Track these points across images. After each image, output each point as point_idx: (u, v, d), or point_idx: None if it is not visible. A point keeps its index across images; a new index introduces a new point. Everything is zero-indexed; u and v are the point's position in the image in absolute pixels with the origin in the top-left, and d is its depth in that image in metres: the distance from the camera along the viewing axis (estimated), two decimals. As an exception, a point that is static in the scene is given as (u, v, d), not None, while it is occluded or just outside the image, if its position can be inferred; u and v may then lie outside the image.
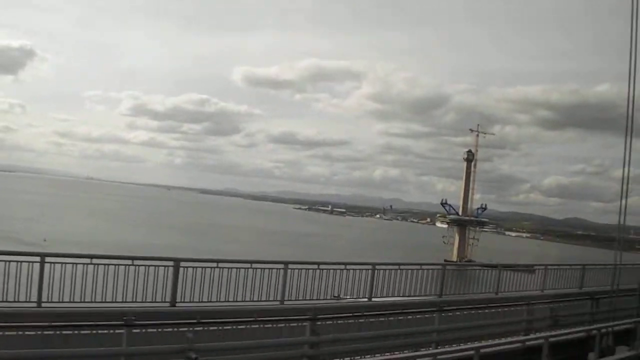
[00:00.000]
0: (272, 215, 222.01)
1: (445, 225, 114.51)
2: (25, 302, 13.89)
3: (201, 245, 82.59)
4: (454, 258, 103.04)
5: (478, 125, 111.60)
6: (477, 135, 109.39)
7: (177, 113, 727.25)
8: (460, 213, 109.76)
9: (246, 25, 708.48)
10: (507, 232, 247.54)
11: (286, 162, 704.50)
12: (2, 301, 13.74)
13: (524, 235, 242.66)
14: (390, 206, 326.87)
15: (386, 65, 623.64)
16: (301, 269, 17.80)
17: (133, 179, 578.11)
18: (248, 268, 17.00)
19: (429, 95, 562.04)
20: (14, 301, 13.89)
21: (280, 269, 17.32)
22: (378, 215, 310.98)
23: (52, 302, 14.12)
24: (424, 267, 20.98)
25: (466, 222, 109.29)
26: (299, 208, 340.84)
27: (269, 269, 17.30)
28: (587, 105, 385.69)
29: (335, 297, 18.61)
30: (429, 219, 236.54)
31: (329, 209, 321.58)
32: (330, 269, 18.56)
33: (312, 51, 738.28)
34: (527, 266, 28.66)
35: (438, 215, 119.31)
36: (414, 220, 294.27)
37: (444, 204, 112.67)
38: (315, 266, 18.22)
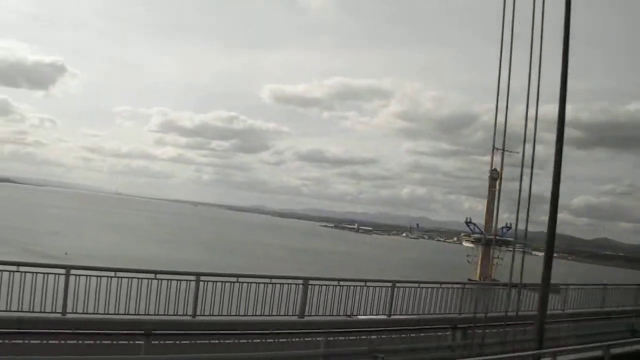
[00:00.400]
0: (297, 232, 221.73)
1: (471, 245, 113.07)
2: (51, 312, 14.19)
3: (221, 260, 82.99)
4: (477, 277, 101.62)
5: (504, 142, 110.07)
6: (503, 153, 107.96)
7: (206, 130, 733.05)
8: (484, 232, 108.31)
9: (274, 43, 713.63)
10: (534, 252, 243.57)
11: (314, 179, 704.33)
12: (29, 311, 13.97)
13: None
14: (417, 225, 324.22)
15: (413, 84, 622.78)
16: (321, 284, 17.94)
17: (161, 194, 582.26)
18: (267, 283, 17.02)
19: (457, 114, 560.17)
20: (40, 311, 14.11)
21: (300, 284, 17.53)
22: (404, 234, 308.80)
23: (76, 312, 14.45)
24: (443, 285, 20.97)
25: (490, 241, 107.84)
26: (325, 226, 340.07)
27: (288, 284, 17.48)
28: (618, 124, 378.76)
29: (347, 315, 18.36)
30: (455, 238, 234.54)
31: (355, 227, 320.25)
32: (350, 286, 18.47)
33: (339, 69, 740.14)
34: (553, 285, 27.53)
35: (462, 234, 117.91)
36: (441, 239, 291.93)
37: (468, 222, 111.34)
38: (336, 282, 18.23)
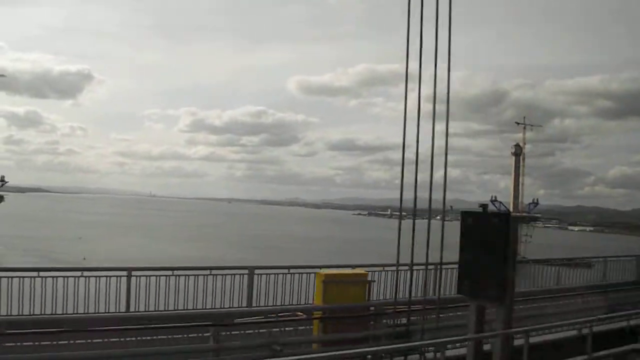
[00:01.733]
0: (327, 222, 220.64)
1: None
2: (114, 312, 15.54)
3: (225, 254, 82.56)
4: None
5: (524, 117, 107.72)
6: (524, 128, 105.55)
7: (235, 126, 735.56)
8: (511, 209, 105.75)
9: (296, 35, 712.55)
10: (570, 227, 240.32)
11: (346, 168, 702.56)
12: (96, 312, 15.35)
13: (588, 229, 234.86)
14: (451, 207, 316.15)
15: (439, 65, 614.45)
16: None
17: (195, 194, 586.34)
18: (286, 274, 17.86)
19: (486, 93, 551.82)
20: (104, 312, 15.51)
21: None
22: (438, 217, 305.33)
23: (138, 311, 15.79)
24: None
25: (517, 219, 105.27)
26: (359, 214, 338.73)
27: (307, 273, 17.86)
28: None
29: None
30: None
31: (389, 213, 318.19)
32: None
33: (363, 56, 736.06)
34: (583, 259, 28.47)
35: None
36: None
37: (493, 201, 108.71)
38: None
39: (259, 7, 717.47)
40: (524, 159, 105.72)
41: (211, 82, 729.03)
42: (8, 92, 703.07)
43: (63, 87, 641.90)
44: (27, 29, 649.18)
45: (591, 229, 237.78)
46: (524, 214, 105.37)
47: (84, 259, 69.80)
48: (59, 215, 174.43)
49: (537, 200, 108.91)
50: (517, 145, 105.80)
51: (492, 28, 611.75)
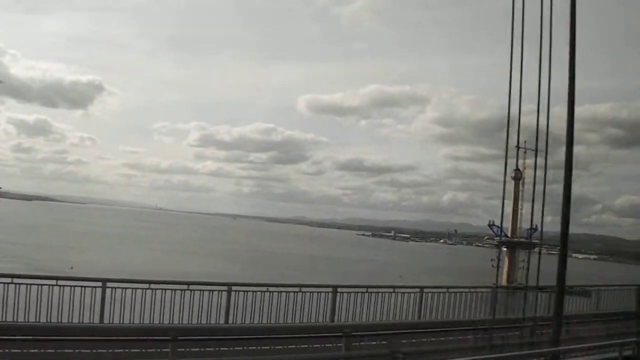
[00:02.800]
0: (331, 242, 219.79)
1: (495, 248, 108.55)
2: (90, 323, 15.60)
3: (226, 271, 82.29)
4: (504, 282, 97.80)
5: (525, 142, 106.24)
6: (525, 152, 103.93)
7: (244, 142, 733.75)
8: (509, 235, 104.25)
9: (308, 53, 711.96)
10: (574, 255, 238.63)
11: (354, 188, 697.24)
12: (68, 322, 15.22)
13: (592, 257, 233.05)
14: (455, 230, 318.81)
15: (450, 89, 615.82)
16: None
17: (202, 208, 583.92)
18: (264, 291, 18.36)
19: (495, 117, 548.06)
20: (79, 323, 15.51)
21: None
22: (442, 240, 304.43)
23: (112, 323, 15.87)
24: (450, 290, 21.46)
25: (516, 244, 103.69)
26: (362, 234, 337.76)
27: (279, 292, 18.44)
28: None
29: None
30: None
31: (392, 234, 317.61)
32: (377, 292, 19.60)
33: (374, 77, 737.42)
34: (582, 287, 27.78)
35: (486, 237, 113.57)
36: (479, 244, 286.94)
37: (491, 225, 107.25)
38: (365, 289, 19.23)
39: (271, 24, 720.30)
40: (523, 184, 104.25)
41: (221, 97, 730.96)
42: (19, 99, 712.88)
43: (74, 97, 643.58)
44: (41, 37, 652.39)
45: (595, 257, 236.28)
46: (522, 240, 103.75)
47: (71, 267, 69.34)
48: (58, 223, 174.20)
49: (537, 226, 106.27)
50: (516, 170, 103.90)
51: (504, 51, 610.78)
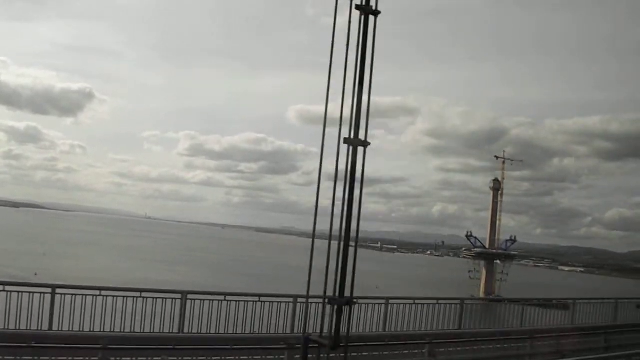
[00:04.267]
0: (315, 252, 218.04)
1: (472, 259, 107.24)
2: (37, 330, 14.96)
3: (203, 279, 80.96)
4: (481, 294, 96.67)
5: (504, 152, 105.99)
6: (504, 162, 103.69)
7: (234, 152, 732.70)
8: (487, 246, 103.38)
9: (297, 63, 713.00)
10: (560, 267, 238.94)
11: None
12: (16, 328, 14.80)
13: (579, 269, 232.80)
14: (442, 242, 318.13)
15: (440, 100, 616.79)
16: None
17: (191, 218, 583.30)
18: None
19: (485, 129, 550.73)
20: (27, 329, 14.91)
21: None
22: (429, 252, 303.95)
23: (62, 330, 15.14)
24: (417, 301, 20.46)
25: (493, 256, 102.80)
26: (351, 245, 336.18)
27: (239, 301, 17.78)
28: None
29: None
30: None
31: (379, 245, 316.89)
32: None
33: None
34: (559, 301, 27.70)
35: (463, 249, 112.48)
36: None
37: (469, 236, 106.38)
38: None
39: (261, 33, 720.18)
40: (502, 194, 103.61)
41: (212, 106, 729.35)
42: (9, 106, 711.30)
43: (64, 104, 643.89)
44: (32, 44, 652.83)
45: (582, 269, 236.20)
46: (500, 251, 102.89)
47: (36, 274, 68.31)
48: (40, 231, 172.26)
49: (515, 237, 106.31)
50: (495, 180, 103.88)
51: (494, 64, 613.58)
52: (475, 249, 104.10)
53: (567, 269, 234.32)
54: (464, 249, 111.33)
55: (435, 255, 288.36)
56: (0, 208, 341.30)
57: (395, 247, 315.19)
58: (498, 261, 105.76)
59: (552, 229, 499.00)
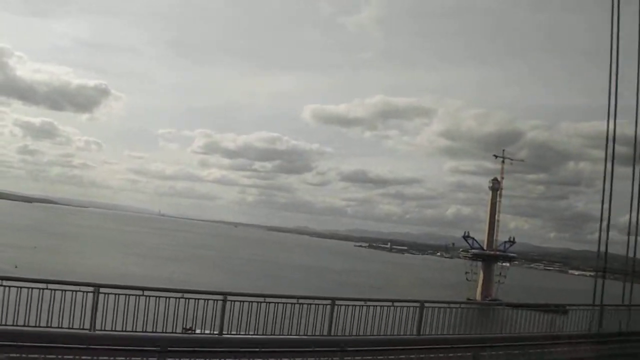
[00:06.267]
0: (324, 252, 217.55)
1: (469, 261, 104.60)
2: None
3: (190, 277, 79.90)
4: (478, 297, 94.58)
5: (503, 150, 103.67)
6: (503, 162, 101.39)
7: (249, 151, 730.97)
8: (485, 247, 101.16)
9: (314, 62, 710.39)
10: (570, 271, 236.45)
11: (358, 200, 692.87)
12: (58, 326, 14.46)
13: (588, 274, 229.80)
14: (453, 244, 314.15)
15: (455, 102, 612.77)
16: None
17: (205, 215, 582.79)
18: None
19: (501, 132, 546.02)
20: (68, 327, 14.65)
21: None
22: (439, 254, 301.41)
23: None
24: (395, 304, 19.08)
25: (491, 257, 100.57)
26: (360, 246, 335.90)
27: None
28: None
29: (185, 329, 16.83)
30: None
31: (388, 246, 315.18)
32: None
33: (380, 88, 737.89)
34: (557, 306, 25.59)
35: (461, 250, 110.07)
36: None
37: (466, 237, 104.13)
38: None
39: (278, 32, 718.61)
40: (501, 195, 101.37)
41: (226, 104, 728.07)
42: (25, 102, 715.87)
43: (80, 100, 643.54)
44: (48, 40, 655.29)
45: (592, 274, 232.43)
46: (498, 252, 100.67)
47: (16, 267, 69.92)
48: (44, 226, 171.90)
49: (514, 238, 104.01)
50: (494, 180, 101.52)
51: (510, 66, 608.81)
52: (473, 250, 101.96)
53: (576, 272, 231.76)
54: (461, 250, 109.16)
55: (445, 257, 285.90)
56: (13, 203, 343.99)
57: (405, 247, 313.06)
58: (506, 263, 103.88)
59: (566, 232, 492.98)
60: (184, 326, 16.50)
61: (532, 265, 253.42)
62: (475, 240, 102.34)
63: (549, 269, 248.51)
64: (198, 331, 17.52)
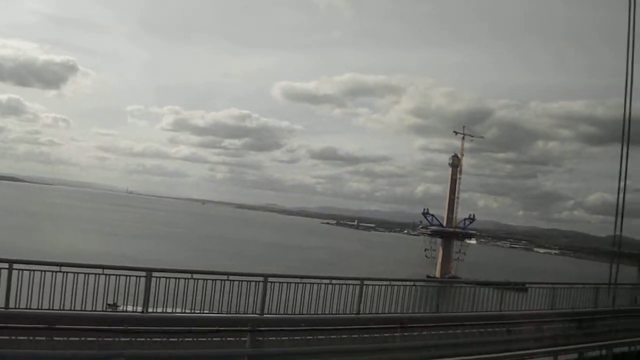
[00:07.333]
0: (289, 229, 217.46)
1: (428, 238, 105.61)
2: None
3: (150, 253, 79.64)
4: (437, 274, 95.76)
5: (464, 127, 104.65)
6: (463, 138, 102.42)
7: (218, 128, 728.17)
8: (444, 224, 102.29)
9: (285, 41, 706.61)
10: (536, 249, 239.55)
11: (327, 177, 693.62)
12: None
13: (553, 252, 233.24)
14: (421, 222, 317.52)
15: (426, 80, 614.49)
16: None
17: (174, 193, 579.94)
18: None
19: (470, 110, 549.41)
20: None
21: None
22: (406, 231, 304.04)
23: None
24: (333, 281, 18.49)
25: (451, 235, 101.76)
26: (327, 223, 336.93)
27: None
28: (634, 119, 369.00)
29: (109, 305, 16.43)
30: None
31: (355, 223, 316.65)
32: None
33: (350, 66, 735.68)
34: (517, 284, 25.24)
35: (420, 226, 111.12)
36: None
37: (425, 213, 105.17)
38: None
39: (248, 11, 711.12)
40: (461, 172, 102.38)
41: (196, 82, 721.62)
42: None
43: (47, 76, 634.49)
44: (13, 15, 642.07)
45: (557, 252, 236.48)
46: (457, 230, 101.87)
47: None
48: (8, 203, 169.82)
49: (474, 215, 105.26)
50: (454, 156, 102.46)
51: (484, 47, 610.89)
52: (432, 227, 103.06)
53: (542, 251, 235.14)
54: (420, 226, 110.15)
55: (413, 235, 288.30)
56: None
57: (372, 225, 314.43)
58: (472, 240, 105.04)
59: (534, 211, 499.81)
60: (107, 302, 16.08)
61: (498, 243, 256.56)
62: (435, 217, 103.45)
63: (515, 247, 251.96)
64: (121, 308, 16.66)
